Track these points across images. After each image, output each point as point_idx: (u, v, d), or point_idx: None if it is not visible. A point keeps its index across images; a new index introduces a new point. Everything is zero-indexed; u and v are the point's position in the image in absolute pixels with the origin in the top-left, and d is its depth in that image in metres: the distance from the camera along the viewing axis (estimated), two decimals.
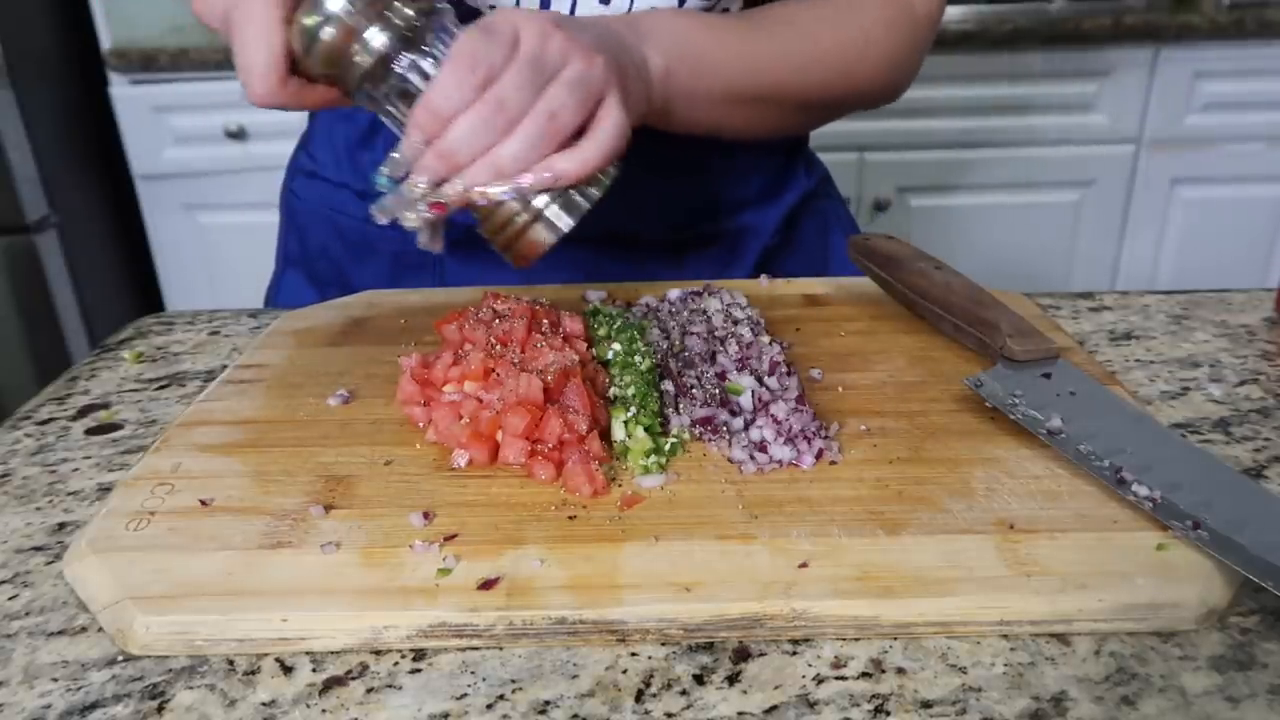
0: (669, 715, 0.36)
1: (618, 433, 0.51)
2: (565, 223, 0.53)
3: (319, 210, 0.84)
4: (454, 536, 0.44)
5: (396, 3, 0.51)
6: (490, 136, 0.50)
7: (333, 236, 0.84)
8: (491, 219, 0.53)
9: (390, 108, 0.53)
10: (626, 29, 0.60)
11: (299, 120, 2.14)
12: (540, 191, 0.52)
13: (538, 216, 0.52)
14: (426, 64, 0.52)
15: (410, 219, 0.52)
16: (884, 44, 0.71)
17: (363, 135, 0.81)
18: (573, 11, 0.68)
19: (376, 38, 0.50)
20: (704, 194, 0.81)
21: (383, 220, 0.53)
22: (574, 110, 0.51)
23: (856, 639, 0.39)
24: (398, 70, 0.51)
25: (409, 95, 0.52)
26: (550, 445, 0.48)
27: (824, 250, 0.86)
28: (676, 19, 0.64)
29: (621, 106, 0.53)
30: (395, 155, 0.52)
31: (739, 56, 0.66)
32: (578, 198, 0.53)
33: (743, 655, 0.39)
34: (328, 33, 0.50)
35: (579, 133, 0.52)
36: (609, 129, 0.52)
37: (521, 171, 0.51)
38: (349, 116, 0.81)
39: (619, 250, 0.79)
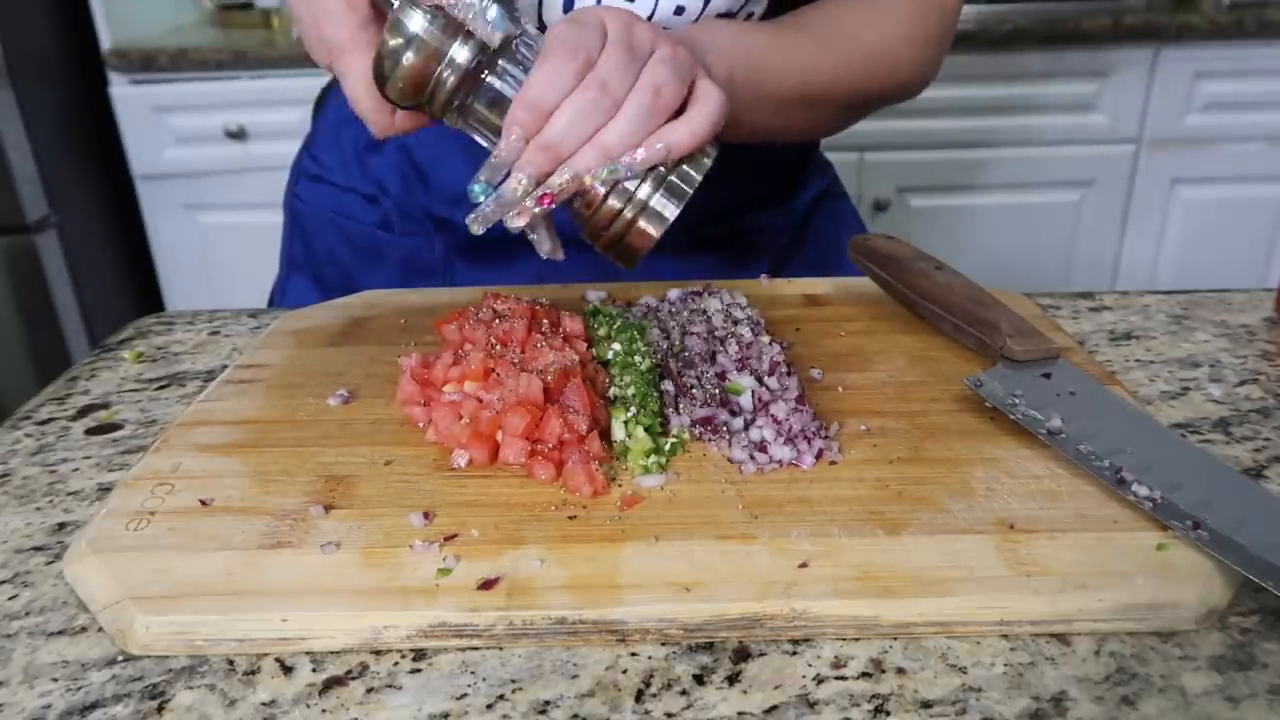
0: (669, 715, 0.36)
1: (618, 433, 0.51)
2: (671, 210, 0.52)
3: (325, 215, 0.84)
4: (454, 536, 0.44)
5: (475, 15, 0.50)
6: (596, 119, 0.50)
7: (340, 242, 0.83)
8: (595, 217, 0.52)
9: (478, 122, 0.53)
10: (683, 39, 0.60)
11: (299, 121, 2.13)
12: (643, 182, 0.51)
13: (643, 209, 0.52)
14: (515, 70, 0.52)
15: (516, 220, 0.52)
16: (918, 35, 0.72)
17: (371, 139, 0.80)
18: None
19: (461, 52, 0.50)
20: (717, 194, 0.80)
21: (479, 230, 0.52)
22: (676, 86, 0.51)
23: (856, 639, 0.39)
24: (487, 80, 0.51)
25: (498, 105, 0.52)
26: (550, 445, 0.48)
27: (838, 250, 0.86)
28: (728, 28, 0.65)
29: (716, 85, 0.53)
30: (492, 160, 0.51)
31: (793, 61, 0.66)
32: (680, 182, 0.52)
33: (743, 655, 0.39)
34: (409, 57, 0.50)
35: (677, 114, 0.52)
36: (712, 99, 0.52)
37: (629, 151, 0.50)
38: (356, 120, 0.81)
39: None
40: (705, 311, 0.64)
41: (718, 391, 0.53)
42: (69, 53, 2.01)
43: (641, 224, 0.52)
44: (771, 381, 0.54)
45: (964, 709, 0.36)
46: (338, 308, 0.70)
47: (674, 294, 0.67)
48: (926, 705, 0.36)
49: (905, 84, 0.74)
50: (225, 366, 0.64)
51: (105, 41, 1.94)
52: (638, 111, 0.50)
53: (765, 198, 0.83)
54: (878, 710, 0.36)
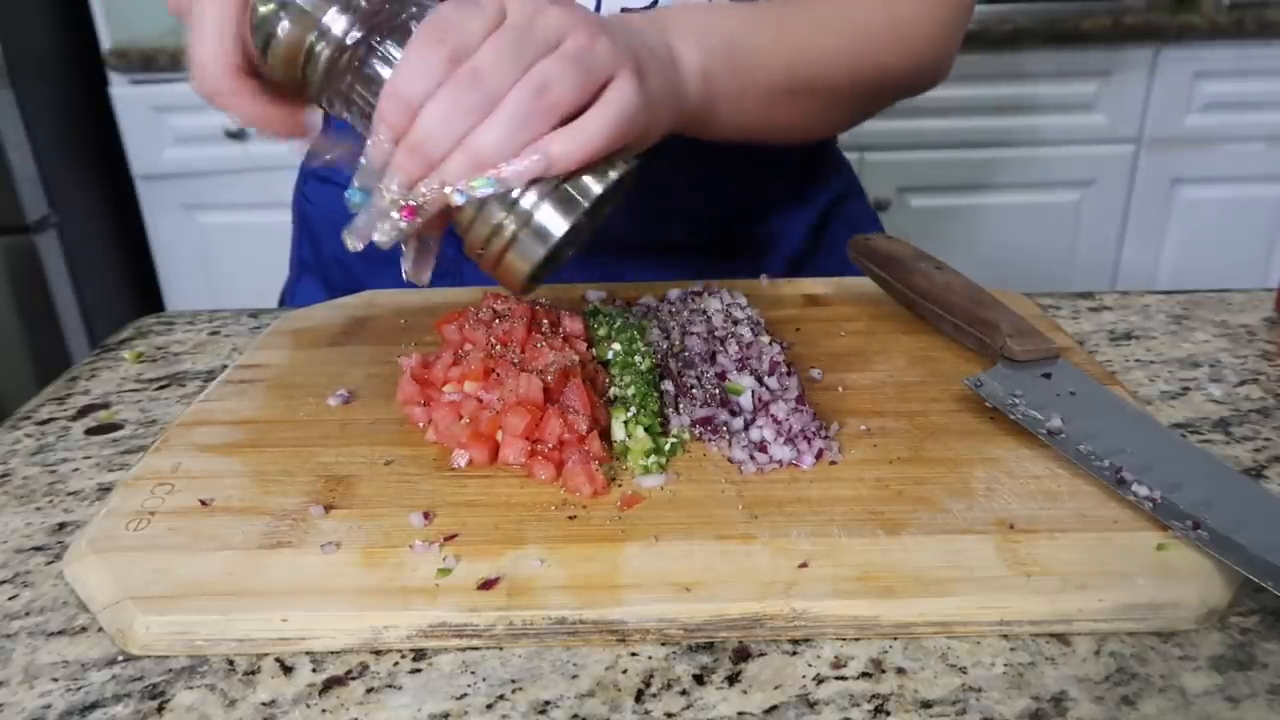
0: (669, 715, 0.36)
1: (618, 433, 0.50)
2: (559, 225, 0.44)
3: (332, 216, 0.83)
4: (454, 536, 0.44)
5: None
6: (466, 120, 0.43)
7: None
8: (474, 232, 0.45)
9: (360, 113, 0.46)
10: (649, 24, 0.54)
11: None
12: (526, 191, 0.44)
13: (527, 222, 0.44)
14: (398, 53, 0.44)
15: (382, 237, 0.45)
16: (927, 17, 0.66)
17: None
18: (598, 9, 0.64)
19: (337, 21, 0.43)
20: (729, 196, 0.78)
21: (356, 246, 0.45)
22: (570, 86, 0.44)
23: (856, 639, 0.39)
24: (369, 62, 0.44)
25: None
26: (550, 445, 0.48)
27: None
28: (703, 10, 0.57)
29: (635, 86, 0.46)
30: (362, 163, 0.44)
31: (778, 41, 0.59)
32: (575, 194, 0.44)
33: (743, 655, 0.39)
34: (284, 24, 0.43)
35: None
36: (617, 103, 0.45)
37: (505, 158, 0.43)
38: None
39: (642, 258, 0.76)
40: (705, 311, 0.64)
41: (718, 391, 0.53)
42: (69, 53, 2.01)
43: (523, 241, 0.45)
44: (771, 381, 0.54)
45: (964, 709, 0.36)
46: (338, 308, 0.70)
47: (674, 294, 0.67)
48: (926, 705, 0.36)
49: (917, 68, 0.68)
50: (225, 366, 0.64)
51: (105, 41, 1.94)
52: (517, 111, 0.43)
53: (773, 201, 0.79)
54: (878, 710, 0.36)
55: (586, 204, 0.45)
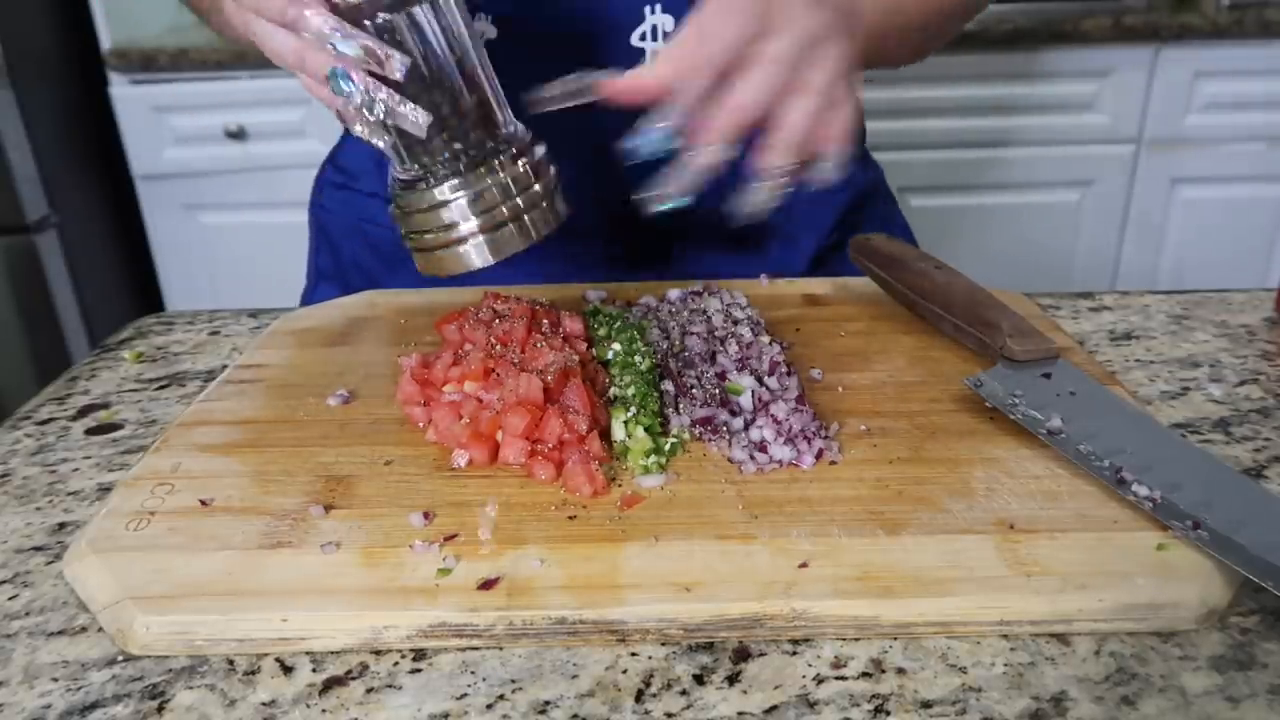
0: (669, 715, 0.36)
1: (618, 433, 0.50)
2: (486, 258, 0.52)
3: (350, 223, 0.84)
4: (454, 536, 0.44)
5: None
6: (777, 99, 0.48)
7: (363, 249, 0.83)
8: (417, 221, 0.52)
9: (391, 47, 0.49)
10: None
11: (299, 120, 2.13)
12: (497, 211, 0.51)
13: (464, 239, 0.51)
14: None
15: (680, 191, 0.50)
16: None
17: None
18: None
19: None
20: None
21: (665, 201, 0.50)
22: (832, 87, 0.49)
23: (856, 639, 0.39)
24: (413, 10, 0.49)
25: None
26: (550, 445, 0.48)
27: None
28: None
29: (859, 83, 0.53)
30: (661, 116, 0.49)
31: None
32: (513, 233, 0.52)
33: (743, 655, 0.39)
34: None
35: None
36: (853, 102, 0.51)
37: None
38: None
39: (665, 240, 0.77)
40: (705, 311, 0.64)
41: (718, 391, 0.53)
42: (69, 53, 2.01)
43: (465, 252, 0.52)
44: (771, 381, 0.54)
45: (964, 709, 0.36)
46: (338, 308, 0.70)
47: (674, 294, 0.67)
48: (926, 705, 0.36)
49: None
50: (225, 366, 0.64)
51: (105, 41, 1.94)
52: (816, 103, 0.49)
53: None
54: (878, 710, 0.36)
55: (520, 245, 0.53)
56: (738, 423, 0.51)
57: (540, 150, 0.54)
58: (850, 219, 0.84)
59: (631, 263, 0.77)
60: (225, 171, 2.00)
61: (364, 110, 0.49)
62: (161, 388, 0.63)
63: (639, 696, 0.37)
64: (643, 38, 0.70)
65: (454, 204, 0.51)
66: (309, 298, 0.89)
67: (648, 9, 0.69)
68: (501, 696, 0.37)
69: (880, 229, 0.86)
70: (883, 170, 0.91)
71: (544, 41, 0.69)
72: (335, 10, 0.48)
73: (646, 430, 0.50)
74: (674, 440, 0.50)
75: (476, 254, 0.52)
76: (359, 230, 0.83)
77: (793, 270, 0.80)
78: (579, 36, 0.70)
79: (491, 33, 0.68)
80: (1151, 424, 0.51)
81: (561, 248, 0.74)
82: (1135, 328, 0.68)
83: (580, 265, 0.76)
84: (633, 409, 0.51)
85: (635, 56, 0.70)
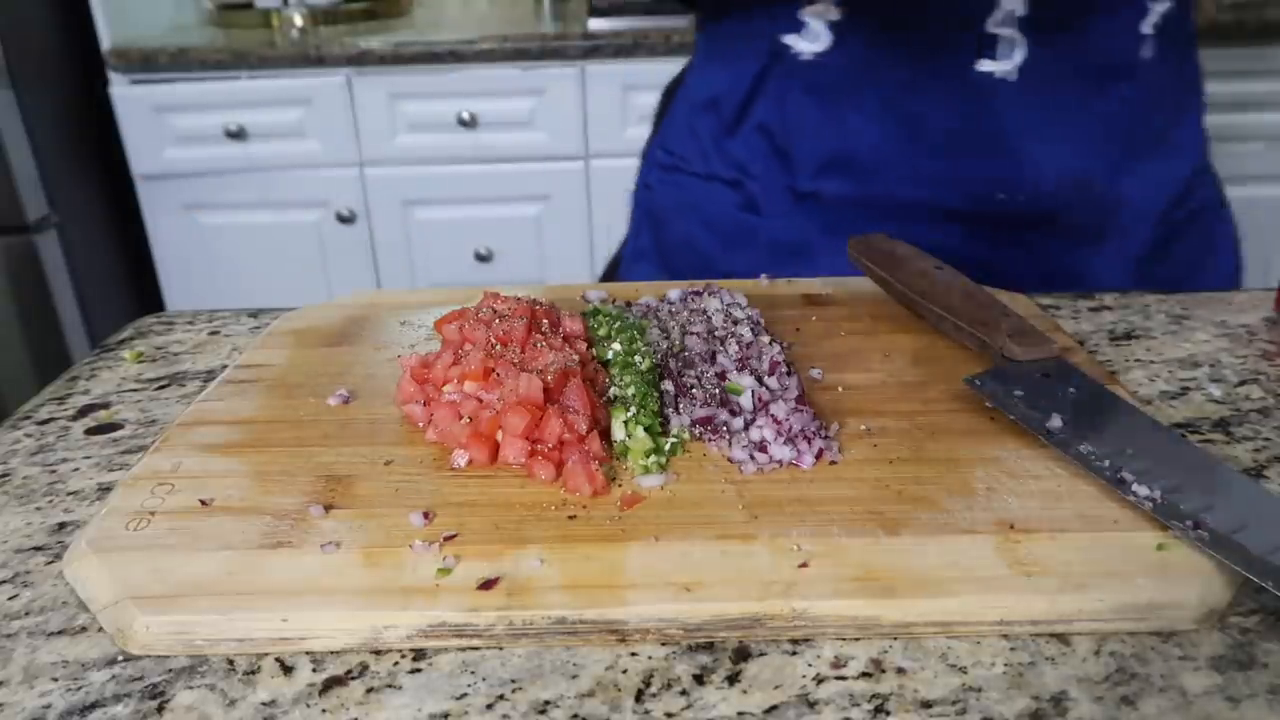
0: (669, 715, 0.36)
1: (618, 433, 0.51)
2: None
3: (681, 204, 0.86)
4: (454, 536, 0.44)
5: None
6: None
7: (700, 228, 0.85)
8: None
9: None
10: None
11: (299, 120, 2.13)
12: None
13: None
14: None
15: None
16: None
17: (727, 126, 0.82)
18: None
19: None
20: (1082, 158, 0.76)
21: None
22: None
23: (856, 639, 0.39)
24: None
25: None
26: (550, 445, 0.48)
27: (1199, 276, 0.82)
28: None
29: None
30: None
31: None
32: None
33: (743, 655, 0.39)
34: None
35: None
36: None
37: None
38: (712, 106, 0.83)
39: (980, 228, 0.77)
40: (705, 311, 0.64)
41: (718, 391, 0.53)
42: (69, 53, 2.02)
43: None
44: (771, 381, 0.54)
45: (964, 709, 0.36)
46: (337, 308, 0.70)
47: (674, 294, 0.67)
48: (926, 705, 0.36)
49: None
50: (225, 366, 0.64)
51: (105, 41, 1.94)
52: None
53: (1116, 154, 0.78)
54: (878, 710, 0.36)
55: None
56: (738, 423, 0.51)
57: None
58: (1176, 210, 0.82)
59: (971, 246, 0.76)
60: (225, 171, 2.00)
61: None
62: (161, 388, 0.63)
63: (639, 696, 0.37)
64: (998, 23, 0.70)
65: None
66: (625, 274, 0.91)
67: None
68: (501, 696, 0.37)
69: (1203, 223, 0.85)
70: (1219, 180, 0.88)
71: (899, 23, 0.71)
72: None
73: (646, 430, 0.50)
74: (674, 440, 0.50)
75: None
76: (693, 211, 0.85)
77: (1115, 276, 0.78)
78: (934, 20, 0.71)
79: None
80: (1151, 424, 0.51)
81: (915, 226, 0.73)
82: (1135, 328, 0.68)
83: (926, 244, 0.73)
84: (633, 409, 0.51)
85: (989, 42, 0.71)
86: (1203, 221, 0.88)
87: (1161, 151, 0.81)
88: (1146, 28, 0.74)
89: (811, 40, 0.76)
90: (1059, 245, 0.79)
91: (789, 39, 0.76)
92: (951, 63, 0.73)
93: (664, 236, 0.88)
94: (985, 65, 0.72)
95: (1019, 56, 0.71)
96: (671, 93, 0.95)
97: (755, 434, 0.50)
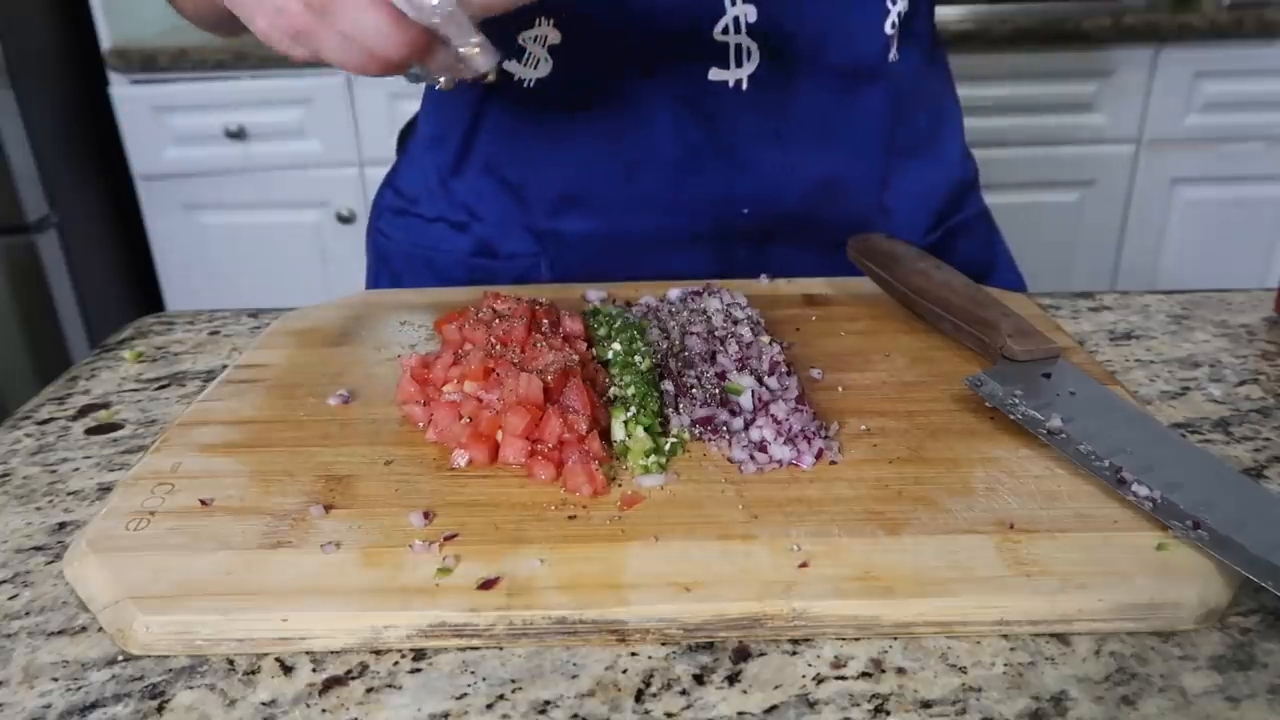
0: (669, 715, 0.36)
1: (618, 433, 0.50)
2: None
3: (411, 249, 0.82)
4: (454, 536, 0.44)
5: None
6: None
7: (426, 274, 0.81)
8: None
9: None
10: None
11: (299, 120, 2.13)
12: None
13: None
14: None
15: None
16: None
17: (453, 162, 0.78)
18: None
19: None
20: (812, 167, 0.75)
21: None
22: None
23: (856, 639, 0.39)
24: None
25: None
26: (550, 445, 0.48)
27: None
28: None
29: None
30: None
31: None
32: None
33: (743, 655, 0.39)
34: None
35: None
36: None
37: None
38: (439, 143, 0.79)
39: (762, 245, 0.76)
40: (705, 311, 0.64)
41: (718, 391, 0.53)
42: (69, 53, 2.02)
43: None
44: (771, 381, 0.54)
45: (964, 709, 0.36)
46: (338, 308, 0.70)
47: (674, 294, 0.67)
48: (926, 705, 0.36)
49: None
50: (225, 366, 0.64)
51: (105, 41, 1.94)
52: None
53: (875, 170, 0.76)
54: (878, 710, 0.36)
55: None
56: (738, 423, 0.51)
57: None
58: (948, 217, 0.81)
59: (728, 266, 0.75)
60: (225, 171, 2.00)
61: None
62: (161, 388, 0.63)
63: (639, 696, 0.37)
64: (724, 31, 0.68)
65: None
66: None
67: (728, 1, 0.67)
68: (501, 696, 0.37)
69: (978, 232, 0.83)
70: (978, 170, 0.87)
71: (622, 39, 0.68)
72: None
73: (646, 430, 0.50)
74: (674, 440, 0.50)
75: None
76: (421, 256, 0.81)
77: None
78: (659, 33, 0.68)
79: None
80: (1151, 424, 0.51)
81: (664, 255, 0.72)
82: (1135, 328, 0.68)
83: (678, 273, 0.74)
84: (633, 409, 0.51)
85: (719, 51, 0.68)
86: (980, 231, 0.85)
87: (933, 153, 0.80)
88: (888, 28, 0.71)
89: (532, 66, 0.71)
90: (818, 256, 0.75)
91: (510, 66, 0.71)
92: (682, 77, 0.69)
93: (400, 282, 0.83)
94: (716, 74, 0.69)
95: (751, 64, 0.69)
96: (407, 132, 0.89)
97: (755, 434, 0.50)
